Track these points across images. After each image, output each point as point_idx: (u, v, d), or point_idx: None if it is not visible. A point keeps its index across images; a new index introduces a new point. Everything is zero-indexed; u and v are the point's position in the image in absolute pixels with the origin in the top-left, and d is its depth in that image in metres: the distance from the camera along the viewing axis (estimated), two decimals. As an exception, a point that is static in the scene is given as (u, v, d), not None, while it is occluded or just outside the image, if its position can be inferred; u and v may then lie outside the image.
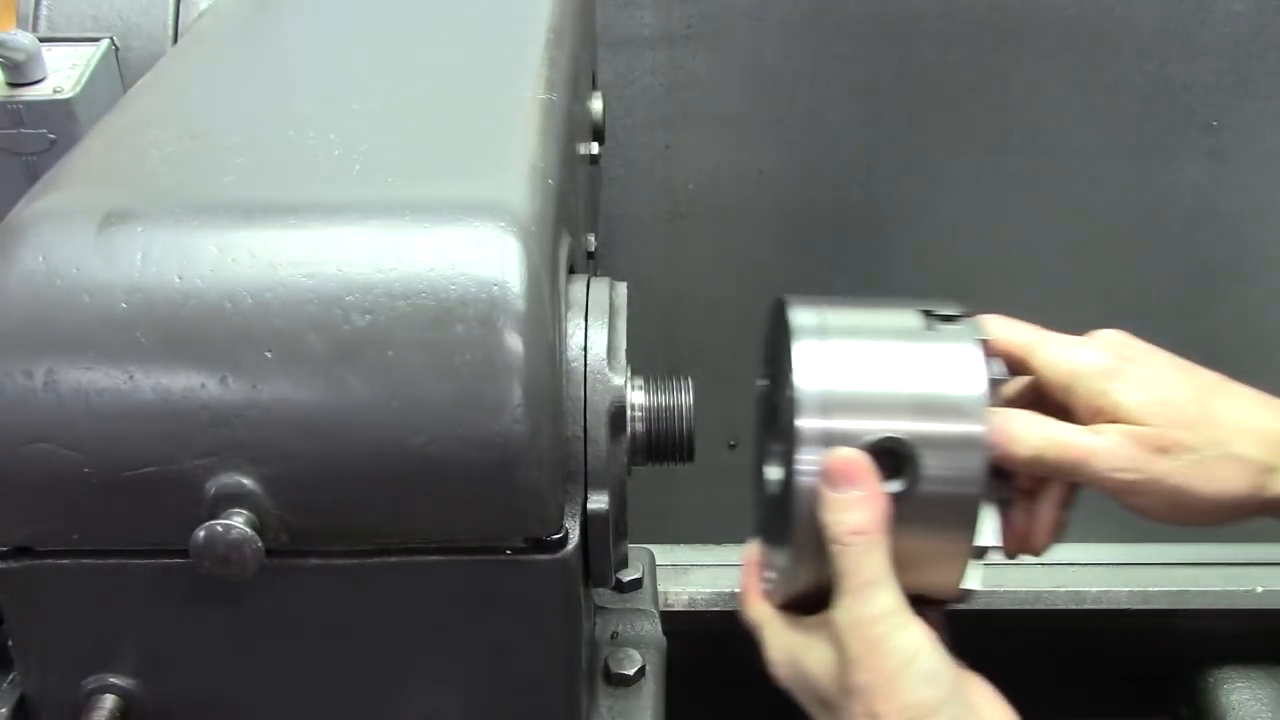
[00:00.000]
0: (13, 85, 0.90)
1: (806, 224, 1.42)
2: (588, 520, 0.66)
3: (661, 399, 0.70)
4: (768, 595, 0.75)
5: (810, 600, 0.72)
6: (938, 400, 0.68)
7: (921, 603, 0.69)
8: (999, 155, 1.38)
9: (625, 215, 1.38)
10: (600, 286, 0.72)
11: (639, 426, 0.70)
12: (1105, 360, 0.75)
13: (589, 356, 0.68)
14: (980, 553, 0.71)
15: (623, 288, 0.73)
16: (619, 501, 0.68)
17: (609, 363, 0.68)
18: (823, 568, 0.69)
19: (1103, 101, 1.36)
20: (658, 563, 0.97)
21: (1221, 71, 1.34)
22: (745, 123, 1.38)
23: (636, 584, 0.92)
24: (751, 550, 0.77)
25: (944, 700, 0.66)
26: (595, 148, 1.05)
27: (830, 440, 0.67)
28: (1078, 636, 1.36)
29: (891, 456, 0.67)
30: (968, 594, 0.71)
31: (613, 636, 0.87)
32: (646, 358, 0.73)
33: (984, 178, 1.40)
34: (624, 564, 0.77)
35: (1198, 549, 1.35)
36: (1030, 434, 0.71)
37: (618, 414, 0.68)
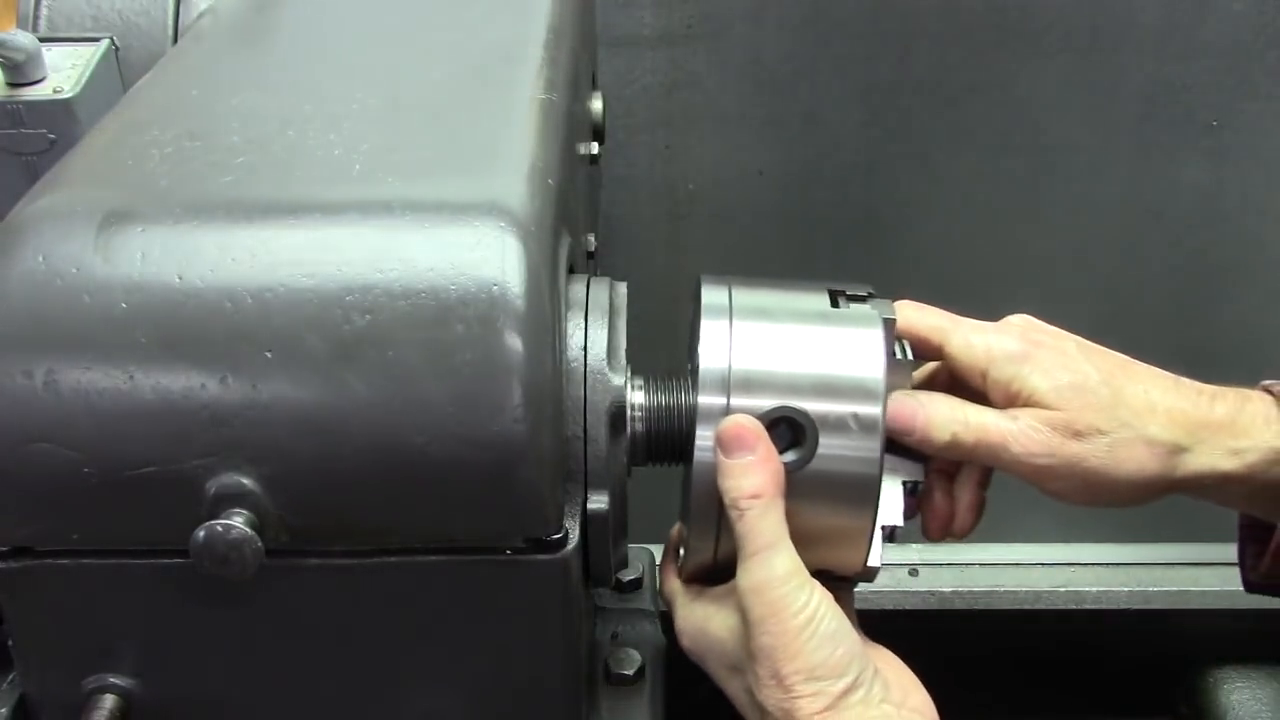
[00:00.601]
0: (13, 85, 0.89)
1: (806, 224, 1.42)
2: (588, 520, 0.66)
3: (661, 399, 0.70)
4: (679, 571, 0.76)
5: (718, 573, 0.73)
6: (837, 380, 0.69)
7: (832, 579, 0.71)
8: (999, 155, 1.38)
9: (625, 215, 1.38)
10: (600, 286, 0.72)
11: (639, 426, 0.70)
12: (1017, 345, 0.75)
13: (589, 356, 0.68)
14: (888, 532, 0.72)
15: (623, 288, 0.73)
16: (619, 501, 0.68)
17: (609, 363, 0.68)
18: (725, 540, 0.70)
19: (1103, 101, 1.36)
20: (658, 563, 0.97)
21: (1221, 71, 1.34)
22: (745, 123, 1.38)
23: (636, 584, 0.92)
24: (674, 531, 0.79)
25: (848, 662, 0.67)
26: (595, 148, 1.05)
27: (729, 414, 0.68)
28: (1078, 636, 1.36)
29: (789, 428, 0.68)
30: (873, 571, 0.73)
31: (613, 637, 0.87)
32: (646, 358, 0.73)
33: (984, 178, 1.39)
34: (624, 564, 0.77)
35: (1198, 549, 1.35)
36: (946, 418, 0.73)
37: (618, 414, 0.68)
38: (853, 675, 0.67)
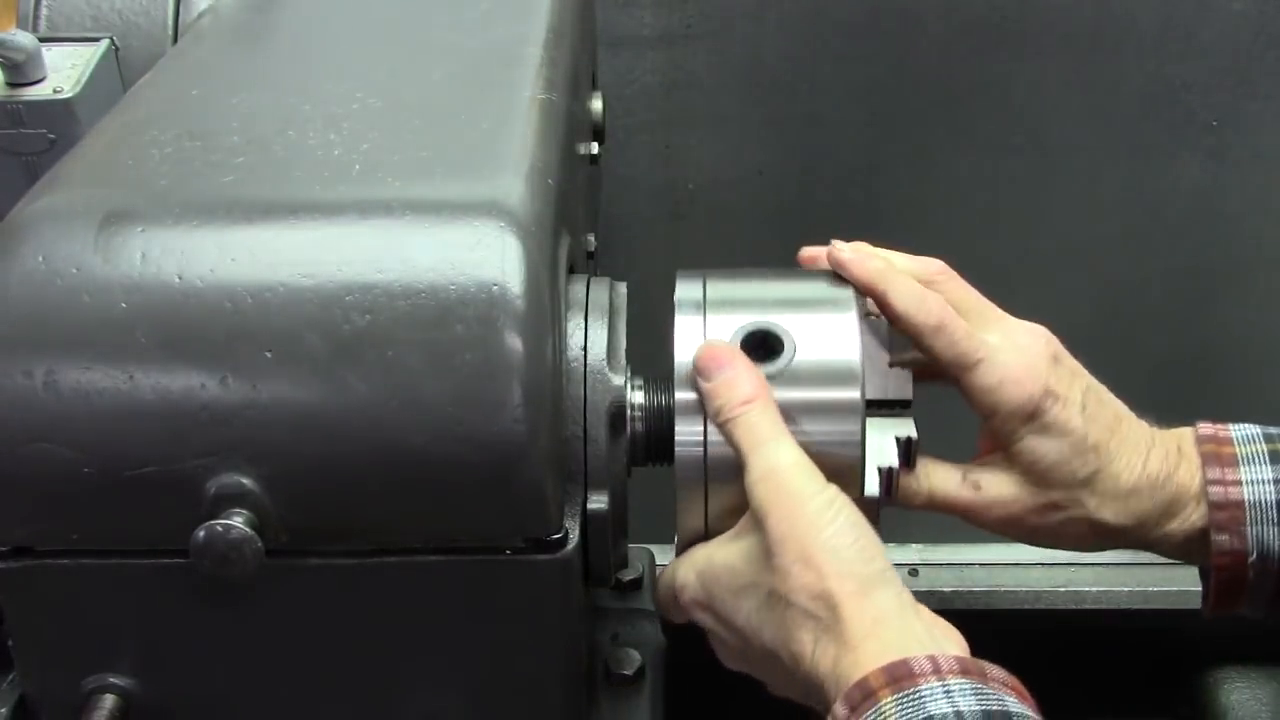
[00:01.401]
0: (13, 85, 0.89)
1: (806, 224, 1.41)
2: (588, 520, 0.66)
3: (661, 399, 0.70)
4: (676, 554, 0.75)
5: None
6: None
7: None
8: (999, 155, 1.38)
9: (625, 215, 1.38)
10: (600, 286, 0.72)
11: (639, 426, 0.70)
12: (1029, 399, 0.75)
13: (589, 356, 0.68)
14: (884, 475, 0.71)
15: (623, 288, 0.73)
16: (619, 501, 0.68)
17: (609, 363, 0.68)
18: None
19: (1103, 101, 1.36)
20: (658, 563, 0.97)
21: (1221, 71, 1.34)
22: (745, 123, 1.38)
23: (636, 584, 0.92)
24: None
25: (875, 551, 0.65)
26: (595, 148, 1.05)
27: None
28: (1078, 636, 1.36)
29: (763, 343, 0.69)
30: (874, 503, 0.71)
31: (613, 637, 0.87)
32: (646, 358, 0.73)
33: (984, 178, 1.39)
34: (624, 564, 0.77)
35: (1198, 549, 1.35)
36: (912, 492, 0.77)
37: (618, 414, 0.68)
38: (880, 564, 0.65)
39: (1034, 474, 0.75)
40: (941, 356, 0.73)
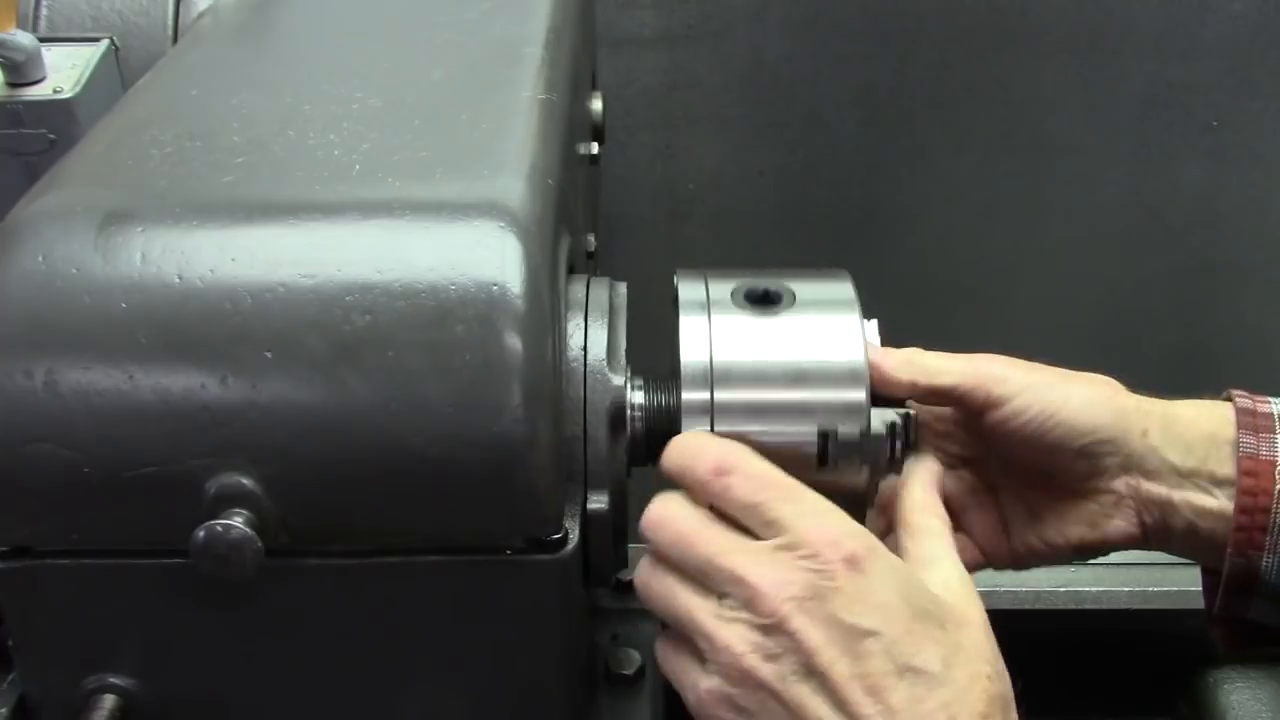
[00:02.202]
0: (13, 85, 0.89)
1: (806, 224, 1.42)
2: (588, 520, 0.66)
3: (661, 399, 0.70)
4: None
5: None
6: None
7: None
8: (999, 155, 1.38)
9: (625, 215, 1.38)
10: (600, 286, 0.72)
11: (639, 426, 0.70)
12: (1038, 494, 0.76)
13: (589, 356, 0.68)
14: (892, 432, 0.70)
15: (623, 288, 0.73)
16: (619, 501, 0.68)
17: (609, 363, 0.68)
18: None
19: (1103, 101, 1.36)
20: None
21: (1221, 71, 1.34)
22: (745, 123, 1.38)
23: (636, 584, 0.92)
24: None
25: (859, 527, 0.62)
26: (595, 148, 1.05)
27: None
28: (1078, 636, 1.36)
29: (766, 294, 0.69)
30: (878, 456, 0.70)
31: (613, 637, 0.87)
32: (646, 358, 0.73)
33: (984, 178, 1.40)
34: (624, 564, 0.77)
35: (1198, 549, 1.35)
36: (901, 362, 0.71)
37: (618, 414, 0.68)
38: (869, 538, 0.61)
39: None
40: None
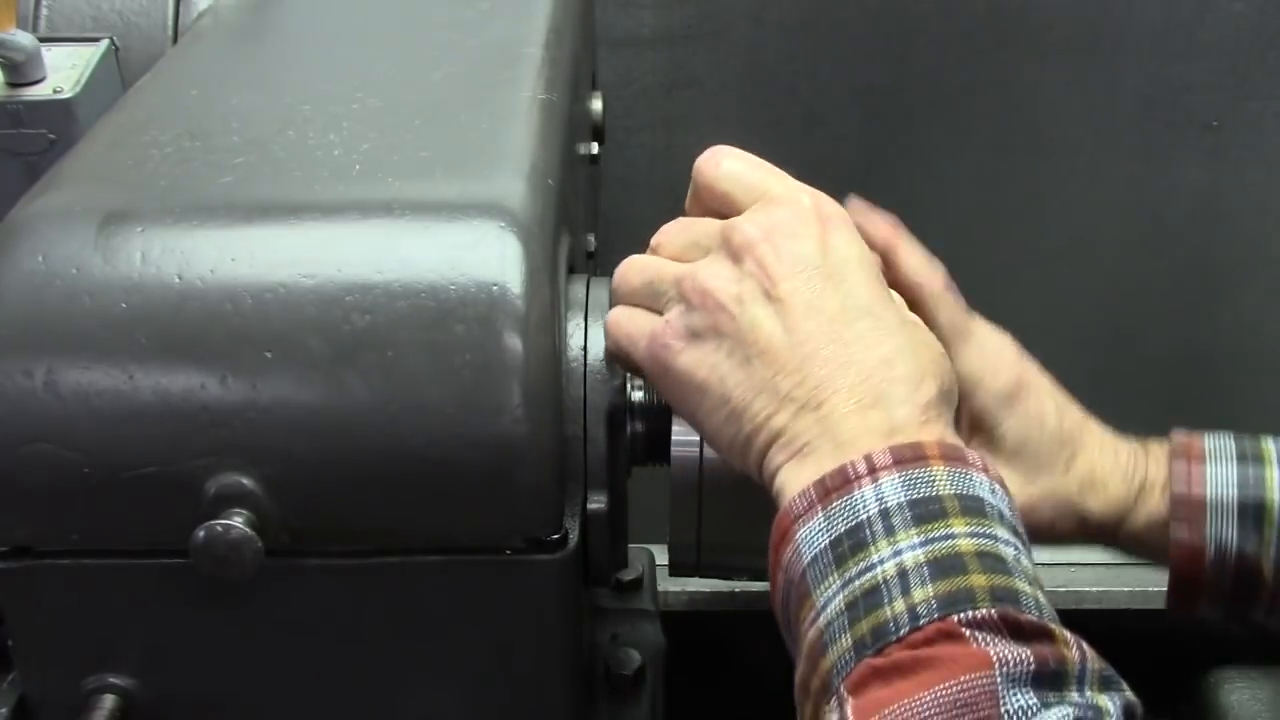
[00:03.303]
0: (12, 85, 0.89)
1: (806, 224, 1.41)
2: (587, 520, 0.66)
3: (661, 399, 0.70)
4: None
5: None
6: None
7: None
8: (999, 155, 1.38)
9: (625, 215, 1.38)
10: (600, 286, 0.72)
11: (639, 426, 0.70)
12: (1010, 381, 0.75)
13: (589, 356, 0.68)
14: None
15: (623, 288, 0.73)
16: (619, 501, 0.68)
17: (609, 363, 0.68)
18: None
19: (1103, 101, 1.36)
20: (657, 563, 0.97)
21: (1221, 71, 1.34)
22: (745, 123, 1.38)
23: (636, 584, 0.92)
24: None
25: None
26: (595, 148, 1.05)
27: None
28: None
29: None
30: None
31: (613, 637, 0.87)
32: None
33: (984, 178, 1.39)
34: (624, 564, 0.77)
35: (1198, 549, 1.35)
36: None
37: (618, 414, 0.68)
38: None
39: (1020, 461, 0.74)
40: (938, 323, 0.71)
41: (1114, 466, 0.76)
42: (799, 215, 0.60)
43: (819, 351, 0.56)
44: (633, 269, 0.63)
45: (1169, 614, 0.79)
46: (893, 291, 0.63)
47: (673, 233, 0.64)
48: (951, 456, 0.54)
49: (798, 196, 0.61)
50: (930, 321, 0.70)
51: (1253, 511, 0.73)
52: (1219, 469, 0.75)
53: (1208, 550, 0.73)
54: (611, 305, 0.64)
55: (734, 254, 0.59)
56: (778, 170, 0.64)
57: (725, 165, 0.64)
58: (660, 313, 0.61)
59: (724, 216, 0.62)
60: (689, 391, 0.59)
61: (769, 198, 0.61)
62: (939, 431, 0.56)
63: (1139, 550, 0.78)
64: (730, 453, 0.59)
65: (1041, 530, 0.76)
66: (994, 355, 0.74)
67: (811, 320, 0.57)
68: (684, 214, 0.66)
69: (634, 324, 0.62)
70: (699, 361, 0.58)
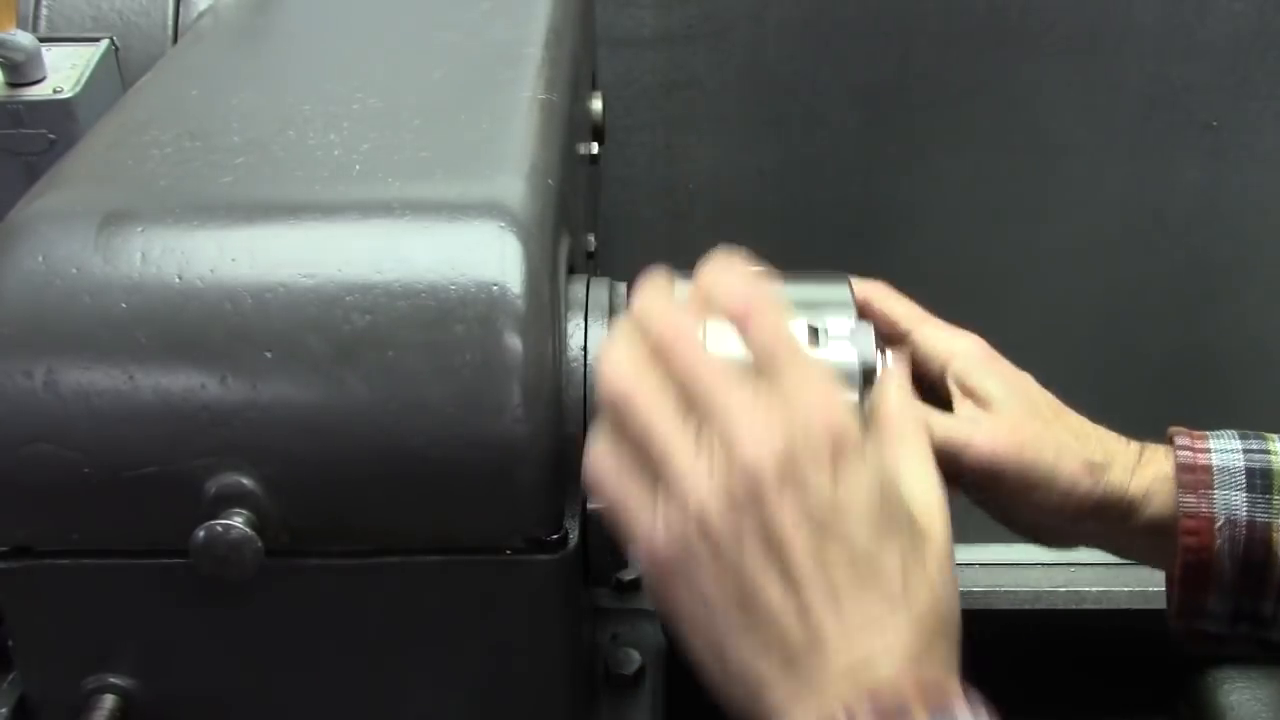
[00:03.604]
0: (12, 85, 0.89)
1: (807, 224, 1.42)
2: (587, 520, 0.66)
3: (661, 399, 0.70)
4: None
5: None
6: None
7: None
8: (999, 155, 1.38)
9: (625, 215, 1.38)
10: (600, 286, 0.72)
11: (639, 426, 0.70)
12: (981, 350, 0.79)
13: (589, 356, 0.68)
14: None
15: (623, 288, 0.73)
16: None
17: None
18: None
19: (1103, 101, 1.36)
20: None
21: (1221, 71, 1.34)
22: (745, 123, 1.38)
23: (636, 584, 0.92)
24: None
25: None
26: (595, 148, 1.05)
27: None
28: (1078, 636, 1.36)
29: None
30: None
31: (613, 637, 0.87)
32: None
33: (984, 178, 1.39)
34: (624, 564, 0.77)
35: (1198, 549, 1.34)
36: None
37: (618, 414, 0.68)
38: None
39: (1010, 409, 0.76)
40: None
41: (1111, 439, 0.78)
42: (812, 446, 0.56)
43: (821, 624, 0.55)
44: (627, 409, 0.59)
45: (1173, 624, 0.79)
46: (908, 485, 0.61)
47: (686, 363, 0.59)
48: (935, 703, 0.53)
49: (810, 411, 0.56)
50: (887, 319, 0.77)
51: (1260, 477, 0.73)
52: (1222, 442, 0.76)
53: (1217, 519, 0.72)
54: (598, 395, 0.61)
55: (737, 486, 0.55)
56: (799, 343, 0.61)
57: (745, 323, 0.60)
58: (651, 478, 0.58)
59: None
60: (678, 608, 0.58)
61: (780, 393, 0.57)
62: (926, 671, 0.55)
63: (1142, 530, 0.77)
64: (709, 669, 0.58)
65: (1044, 472, 0.75)
66: (965, 334, 0.80)
67: (812, 585, 0.55)
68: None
69: (626, 495, 0.59)
70: (692, 594, 0.57)
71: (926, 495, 0.62)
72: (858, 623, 0.55)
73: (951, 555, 0.60)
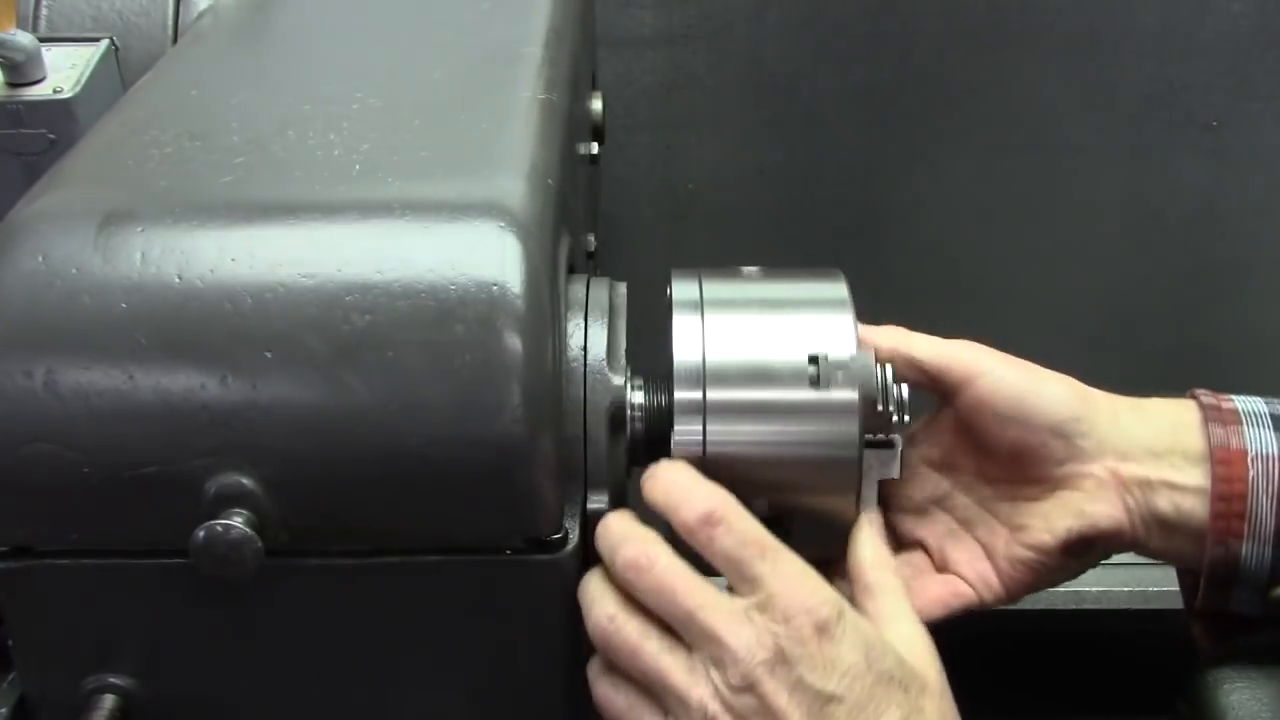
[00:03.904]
0: (12, 85, 0.89)
1: (806, 224, 1.42)
2: (588, 520, 0.66)
3: (661, 399, 0.70)
4: None
5: None
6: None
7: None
8: (999, 155, 1.38)
9: (625, 215, 1.38)
10: (600, 286, 0.72)
11: (638, 426, 0.70)
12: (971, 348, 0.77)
13: (589, 356, 0.68)
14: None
15: (622, 288, 0.73)
16: (619, 501, 0.68)
17: (609, 363, 0.68)
18: None
19: (1103, 101, 1.36)
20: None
21: (1221, 71, 1.34)
22: (745, 123, 1.38)
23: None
24: None
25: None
26: (595, 148, 1.05)
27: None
28: (1078, 636, 1.36)
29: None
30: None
31: (613, 636, 0.87)
32: (646, 358, 0.73)
33: (984, 178, 1.39)
34: (624, 564, 0.77)
35: (1198, 549, 1.34)
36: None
37: (617, 414, 0.68)
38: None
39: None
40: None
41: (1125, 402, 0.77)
42: (797, 635, 0.61)
43: None
44: (616, 652, 0.64)
45: (1198, 603, 0.77)
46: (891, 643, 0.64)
47: (663, 596, 0.63)
48: None
49: (791, 603, 0.61)
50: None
51: None
52: (1245, 397, 0.76)
53: (1249, 452, 0.72)
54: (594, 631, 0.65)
55: (738, 699, 0.60)
56: (767, 541, 0.64)
57: (711, 533, 0.64)
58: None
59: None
60: None
61: (763, 596, 0.62)
62: None
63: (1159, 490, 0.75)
64: None
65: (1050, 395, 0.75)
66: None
67: None
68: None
69: None
70: None
71: (914, 642, 0.65)
72: None
73: (949, 697, 0.64)
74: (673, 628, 0.63)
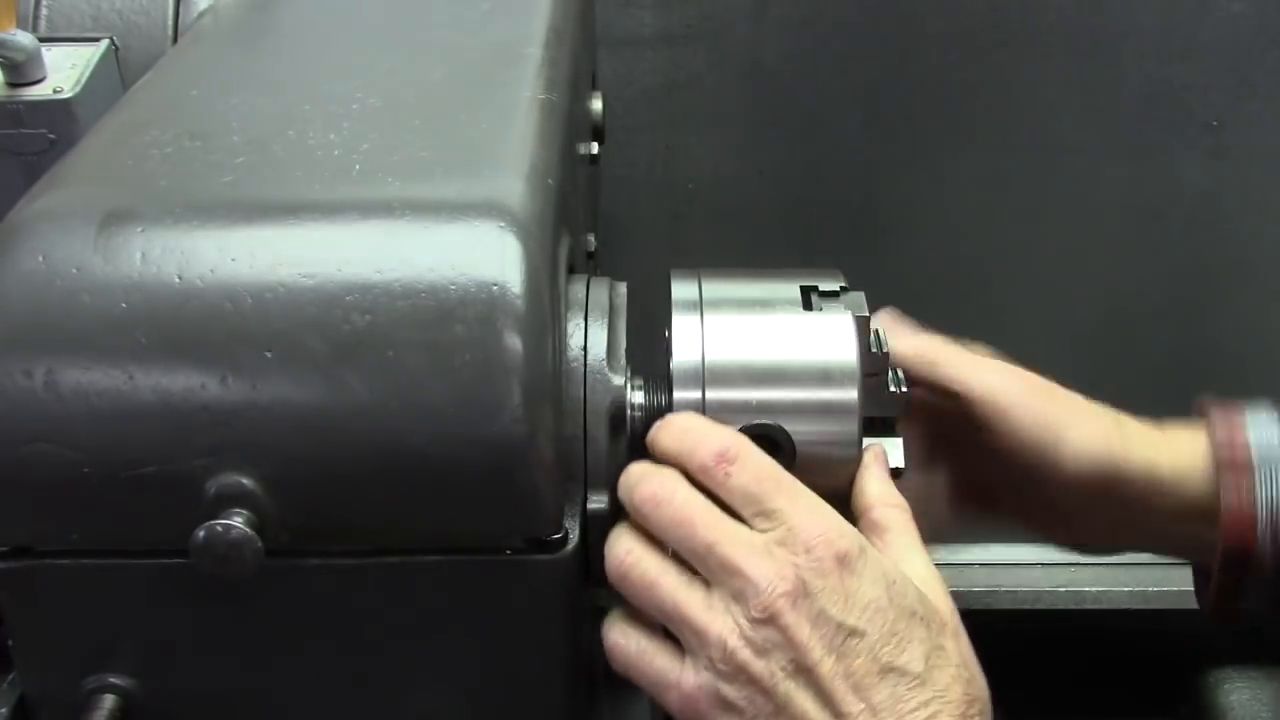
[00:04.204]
0: (12, 85, 0.89)
1: (806, 224, 1.42)
2: (588, 520, 0.66)
3: (661, 399, 0.70)
4: None
5: None
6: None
7: None
8: (999, 155, 1.38)
9: (625, 215, 1.38)
10: (600, 286, 0.72)
11: (639, 426, 0.70)
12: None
13: (589, 356, 0.68)
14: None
15: (623, 288, 0.73)
16: (619, 501, 0.68)
17: (609, 363, 0.68)
18: None
19: (1103, 101, 1.36)
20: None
21: (1221, 71, 1.34)
22: (745, 123, 1.38)
23: (636, 584, 0.92)
24: None
25: None
26: (595, 148, 1.05)
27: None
28: (1078, 636, 1.36)
29: (768, 442, 0.67)
30: None
31: (613, 636, 0.87)
32: (646, 358, 0.73)
33: (984, 178, 1.39)
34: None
35: (1198, 549, 1.35)
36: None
37: (618, 414, 0.68)
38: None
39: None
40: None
41: (1132, 422, 0.79)
42: (818, 567, 0.60)
43: (849, 715, 0.58)
44: (631, 587, 0.63)
45: (1209, 605, 0.78)
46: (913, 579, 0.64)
47: (682, 530, 0.62)
48: None
49: (811, 535, 0.61)
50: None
51: None
52: (1260, 426, 0.77)
53: (1259, 514, 0.72)
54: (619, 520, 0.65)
55: (759, 632, 0.59)
56: (784, 477, 0.64)
57: (728, 469, 0.63)
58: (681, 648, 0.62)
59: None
60: None
61: (783, 530, 0.61)
62: None
63: (1170, 513, 0.77)
64: None
65: (1055, 425, 0.77)
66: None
67: (841, 687, 0.58)
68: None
69: (651, 666, 0.63)
70: None
71: (928, 580, 0.64)
72: (888, 709, 0.58)
73: (965, 636, 0.63)
74: (691, 564, 0.61)
